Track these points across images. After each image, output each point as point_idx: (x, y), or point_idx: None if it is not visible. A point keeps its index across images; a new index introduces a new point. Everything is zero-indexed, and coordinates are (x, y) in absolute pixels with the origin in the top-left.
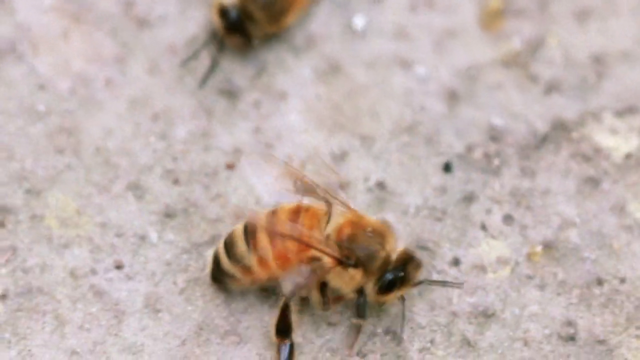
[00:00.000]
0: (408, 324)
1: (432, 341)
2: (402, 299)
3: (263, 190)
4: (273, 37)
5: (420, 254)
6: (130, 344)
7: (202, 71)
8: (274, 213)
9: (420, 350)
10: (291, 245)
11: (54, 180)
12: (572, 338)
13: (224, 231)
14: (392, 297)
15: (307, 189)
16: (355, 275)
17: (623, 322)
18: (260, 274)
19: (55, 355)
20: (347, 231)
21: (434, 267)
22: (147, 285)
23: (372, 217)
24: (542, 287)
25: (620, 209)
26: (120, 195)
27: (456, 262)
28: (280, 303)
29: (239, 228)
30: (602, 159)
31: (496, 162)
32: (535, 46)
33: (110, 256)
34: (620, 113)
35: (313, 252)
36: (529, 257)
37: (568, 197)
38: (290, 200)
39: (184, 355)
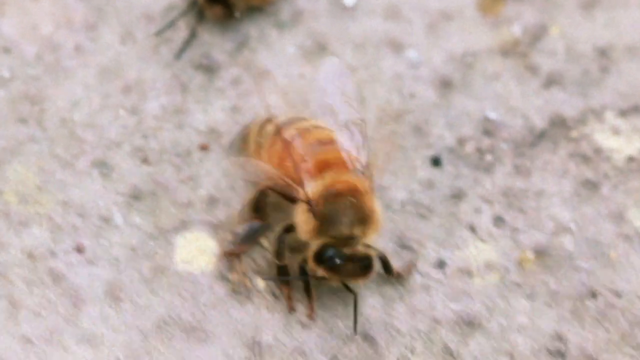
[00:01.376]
0: (387, 328)
1: (411, 349)
2: (355, 294)
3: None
4: (257, 9)
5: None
6: (88, 334)
7: (178, 42)
8: (309, 129)
9: (399, 359)
10: (285, 156)
11: (15, 152)
12: (561, 354)
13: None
14: (320, 273)
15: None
16: (310, 223)
17: (617, 340)
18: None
19: (7, 343)
20: (339, 187)
21: (416, 268)
22: (109, 271)
23: (378, 203)
24: (531, 297)
25: (619, 216)
26: (85, 172)
27: (441, 264)
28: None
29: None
30: (603, 160)
31: (489, 158)
32: (536, 35)
33: (71, 238)
34: (624, 112)
35: (295, 176)
36: (520, 263)
37: (564, 200)
38: (340, 123)
39: (146, 350)
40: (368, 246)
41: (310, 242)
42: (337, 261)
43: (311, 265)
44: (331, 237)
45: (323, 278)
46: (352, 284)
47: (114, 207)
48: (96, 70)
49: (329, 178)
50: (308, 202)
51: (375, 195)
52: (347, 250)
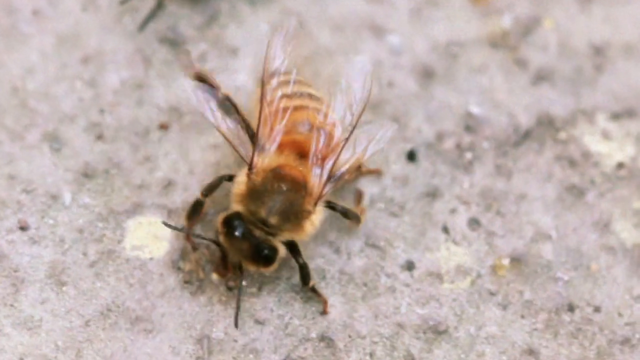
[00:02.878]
0: (346, 330)
1: (371, 354)
2: (240, 279)
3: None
4: None
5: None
6: (26, 318)
7: (144, 13)
8: (297, 104)
9: None
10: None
11: None
12: None
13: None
14: (221, 238)
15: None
16: (241, 187)
17: (592, 357)
18: None
19: None
20: (286, 172)
21: (382, 268)
22: (53, 252)
23: (320, 212)
24: (504, 306)
25: (604, 226)
26: (35, 146)
27: (409, 266)
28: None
29: None
30: (590, 166)
31: (469, 156)
32: (528, 27)
33: (15, 214)
34: (617, 115)
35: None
36: (494, 269)
37: (546, 206)
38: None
39: (87, 338)
40: (293, 248)
41: (231, 205)
42: (237, 233)
43: (219, 226)
44: (249, 212)
45: (220, 246)
46: (246, 268)
47: (63, 184)
48: (54, 37)
49: (284, 158)
50: (250, 167)
51: (325, 204)
52: (255, 231)
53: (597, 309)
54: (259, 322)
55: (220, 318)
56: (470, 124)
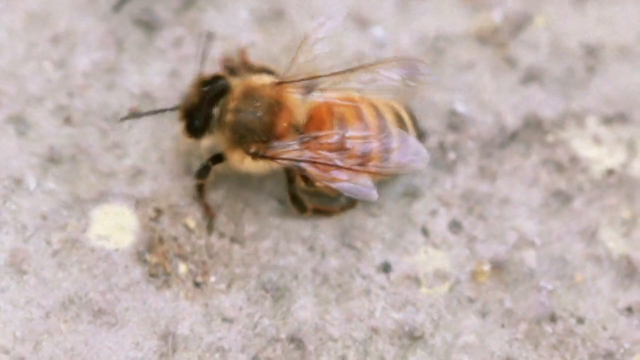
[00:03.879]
0: (318, 333)
1: (343, 358)
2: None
3: None
4: None
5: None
6: None
7: None
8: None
9: None
10: None
11: None
12: None
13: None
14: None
15: None
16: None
17: None
18: None
19: None
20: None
21: (357, 270)
22: (14, 239)
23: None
24: (483, 314)
25: (590, 235)
26: None
27: (386, 268)
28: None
29: None
30: (579, 171)
31: (452, 155)
32: (519, 24)
33: None
34: (608, 119)
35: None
36: (474, 275)
37: (531, 211)
38: None
39: (46, 329)
40: (216, 159)
41: None
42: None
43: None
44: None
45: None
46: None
47: (27, 169)
48: (23, 15)
49: None
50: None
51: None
52: (210, 107)
53: (580, 321)
54: (227, 320)
55: (186, 314)
56: (455, 123)
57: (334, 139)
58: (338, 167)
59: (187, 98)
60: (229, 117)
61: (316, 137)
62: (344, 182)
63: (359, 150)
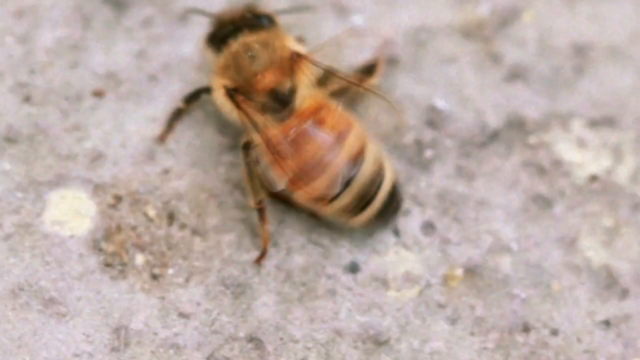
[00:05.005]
0: (278, 333)
1: None
2: None
3: None
4: None
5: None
6: None
7: None
8: None
9: None
10: None
11: None
12: None
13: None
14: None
15: None
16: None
17: None
18: None
19: None
20: None
21: (323, 268)
22: None
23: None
24: (453, 320)
25: (570, 243)
26: None
27: (353, 268)
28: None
29: None
30: (561, 175)
31: (429, 153)
32: (506, 19)
33: None
34: (594, 123)
35: None
36: (445, 280)
37: (508, 215)
38: None
39: None
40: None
41: None
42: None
43: None
44: None
45: None
46: None
47: None
48: None
49: None
50: None
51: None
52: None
53: (554, 332)
54: (183, 315)
55: (141, 307)
56: (434, 119)
57: (293, 130)
58: (275, 154)
59: (230, 11)
60: (234, 46)
61: (284, 120)
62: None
63: (303, 158)
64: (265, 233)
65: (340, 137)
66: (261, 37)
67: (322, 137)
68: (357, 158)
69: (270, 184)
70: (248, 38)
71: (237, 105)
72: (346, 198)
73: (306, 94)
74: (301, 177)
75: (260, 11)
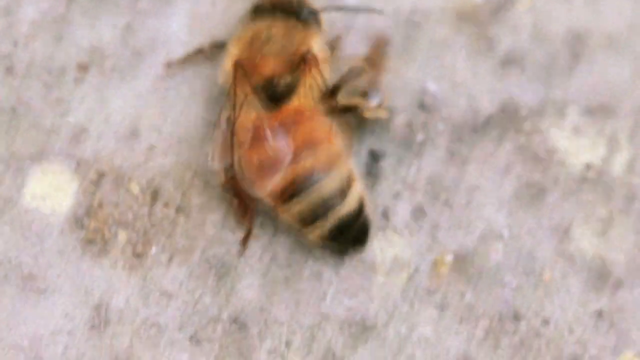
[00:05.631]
0: (263, 314)
1: (287, 343)
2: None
3: None
4: None
5: None
6: None
7: None
8: None
9: (270, 352)
10: None
11: None
12: None
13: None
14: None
15: None
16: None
17: None
18: None
19: None
20: None
21: (310, 250)
22: None
23: None
24: (442, 307)
25: (563, 231)
26: None
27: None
28: None
29: None
30: (555, 163)
31: (420, 136)
32: (501, 3)
33: None
34: (591, 110)
35: None
36: (435, 266)
37: (500, 202)
38: None
39: None
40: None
41: None
42: None
43: None
44: None
45: None
46: None
47: None
48: None
49: None
50: None
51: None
52: None
53: (545, 322)
54: (165, 294)
55: (122, 286)
56: (426, 102)
57: (260, 124)
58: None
59: None
60: (260, 24)
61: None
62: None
63: (254, 153)
64: (250, 211)
65: (304, 147)
66: (288, 25)
67: (282, 142)
68: (322, 170)
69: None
70: (276, 22)
71: (233, 76)
72: (300, 205)
73: (303, 97)
74: (245, 169)
75: (306, 3)
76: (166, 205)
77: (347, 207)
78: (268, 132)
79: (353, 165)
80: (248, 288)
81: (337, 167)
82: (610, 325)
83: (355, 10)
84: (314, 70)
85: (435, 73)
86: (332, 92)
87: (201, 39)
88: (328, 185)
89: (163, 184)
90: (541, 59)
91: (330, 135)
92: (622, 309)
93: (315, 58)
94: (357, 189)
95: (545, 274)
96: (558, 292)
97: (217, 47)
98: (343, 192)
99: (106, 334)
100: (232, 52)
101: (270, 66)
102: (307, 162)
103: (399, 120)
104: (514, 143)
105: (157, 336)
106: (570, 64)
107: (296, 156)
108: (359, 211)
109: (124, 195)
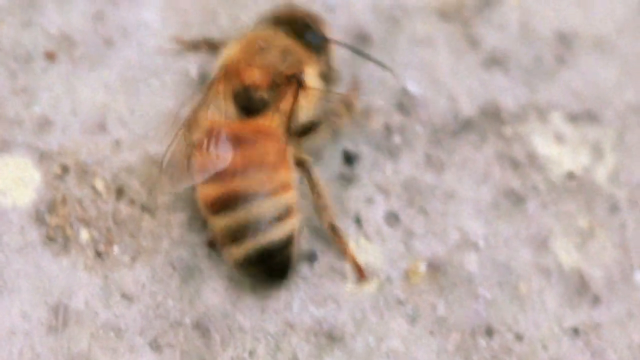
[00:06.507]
0: (226, 321)
1: (251, 352)
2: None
3: None
4: None
5: None
6: None
7: None
8: None
9: (233, 359)
10: None
11: None
12: None
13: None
14: (331, 58)
15: None
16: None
17: None
18: None
19: None
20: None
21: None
22: None
23: None
24: (413, 319)
25: (541, 243)
26: None
27: (310, 257)
28: None
29: None
30: (536, 170)
31: (397, 139)
32: (487, 0)
33: None
34: (574, 116)
35: None
36: (407, 275)
37: (478, 210)
38: None
39: None
40: None
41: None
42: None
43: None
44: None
45: None
46: None
47: None
48: None
49: None
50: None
51: None
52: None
53: (519, 337)
54: (127, 297)
55: (83, 286)
56: (404, 103)
57: (216, 127)
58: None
59: (300, 9)
60: (263, 32)
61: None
62: None
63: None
64: None
65: (250, 165)
66: (289, 42)
67: (223, 152)
68: (260, 193)
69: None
70: (279, 35)
71: (216, 74)
72: (226, 219)
73: (271, 119)
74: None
75: (317, 27)
76: (131, 203)
77: (272, 236)
78: (215, 137)
79: (298, 200)
80: (212, 292)
81: (278, 195)
82: (586, 343)
83: (366, 57)
84: (292, 97)
85: (415, 72)
86: (300, 132)
87: (174, 29)
88: (260, 209)
89: (128, 180)
90: (526, 60)
91: (283, 163)
92: (599, 327)
93: (300, 85)
94: (292, 224)
95: (521, 287)
96: (533, 307)
97: (212, 46)
98: (275, 221)
99: (64, 335)
100: (225, 52)
101: (253, 76)
102: (248, 180)
103: (376, 121)
104: (493, 148)
105: (116, 340)
106: (555, 67)
107: (238, 172)
108: (285, 245)
109: (88, 191)
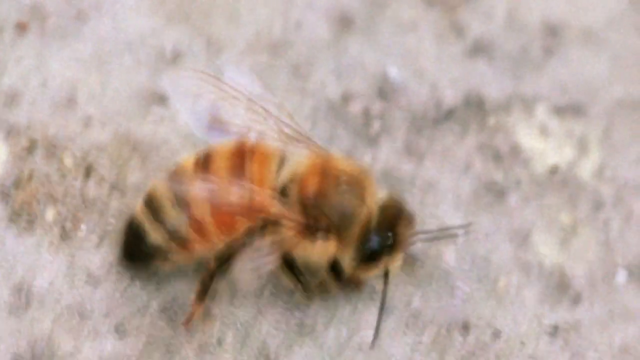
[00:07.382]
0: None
1: (219, 339)
2: (387, 275)
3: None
4: None
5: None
6: None
7: None
8: (207, 161)
9: (201, 347)
10: (240, 210)
11: None
12: None
13: None
14: (377, 269)
15: (250, 116)
16: (327, 246)
17: None
18: (199, 246)
19: None
20: (313, 183)
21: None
22: None
23: (340, 156)
24: (387, 311)
25: (523, 237)
26: None
27: None
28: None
29: (162, 186)
30: (519, 163)
31: (376, 126)
32: None
33: None
34: (560, 109)
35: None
36: None
37: (457, 201)
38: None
39: None
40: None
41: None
42: (389, 240)
43: (360, 273)
44: (357, 235)
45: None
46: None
47: None
48: None
49: (285, 178)
50: (307, 226)
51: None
52: (380, 223)
53: (496, 333)
54: (93, 278)
55: (48, 266)
56: (385, 89)
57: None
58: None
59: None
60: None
61: None
62: None
63: None
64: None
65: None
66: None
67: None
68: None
69: None
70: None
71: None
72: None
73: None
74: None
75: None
76: (100, 181)
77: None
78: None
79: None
80: (181, 277)
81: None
82: (566, 342)
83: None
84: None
85: (397, 58)
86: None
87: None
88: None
89: (98, 158)
90: (512, 50)
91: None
92: (579, 326)
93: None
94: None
95: (500, 282)
96: (512, 303)
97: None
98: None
99: (25, 317)
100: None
101: (312, 183)
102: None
103: (355, 107)
104: (476, 139)
105: (80, 323)
106: (542, 58)
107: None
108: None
109: (56, 168)
